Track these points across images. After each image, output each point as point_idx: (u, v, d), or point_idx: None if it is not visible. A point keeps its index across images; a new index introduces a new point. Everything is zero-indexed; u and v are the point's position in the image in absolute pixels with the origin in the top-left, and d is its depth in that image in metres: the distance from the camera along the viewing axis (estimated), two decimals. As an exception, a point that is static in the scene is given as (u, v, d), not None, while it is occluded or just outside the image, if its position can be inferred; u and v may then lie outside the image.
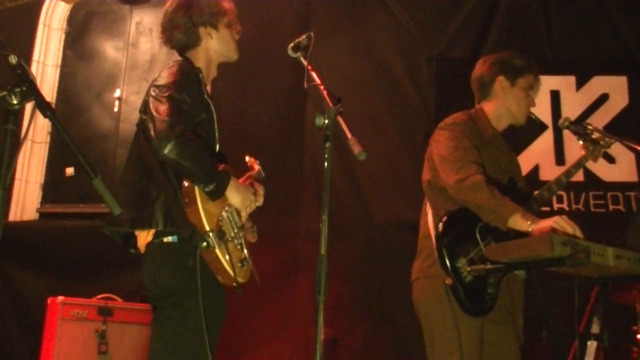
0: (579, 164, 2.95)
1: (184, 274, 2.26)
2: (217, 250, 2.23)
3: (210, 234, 2.21)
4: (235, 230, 2.37)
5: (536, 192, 2.83)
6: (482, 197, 2.50)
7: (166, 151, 2.18)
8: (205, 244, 2.21)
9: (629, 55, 4.84)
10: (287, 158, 5.01)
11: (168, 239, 2.30)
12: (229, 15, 2.65)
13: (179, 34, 2.58)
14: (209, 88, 2.59)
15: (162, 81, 2.35)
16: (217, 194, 2.29)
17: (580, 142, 3.02)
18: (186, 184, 2.25)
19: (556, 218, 2.38)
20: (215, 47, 2.61)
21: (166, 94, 2.29)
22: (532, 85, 2.91)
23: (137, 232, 2.39)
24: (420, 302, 2.71)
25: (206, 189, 2.25)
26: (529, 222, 2.41)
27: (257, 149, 5.00)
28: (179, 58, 2.55)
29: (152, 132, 2.23)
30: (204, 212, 2.23)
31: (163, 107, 2.25)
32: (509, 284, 2.64)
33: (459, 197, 2.58)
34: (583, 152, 2.99)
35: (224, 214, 2.34)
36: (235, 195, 2.37)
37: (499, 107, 2.89)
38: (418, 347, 2.74)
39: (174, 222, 2.27)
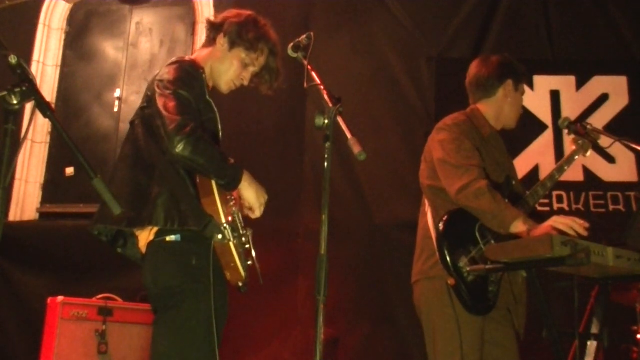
0: (570, 159, 2.95)
1: (187, 274, 2.23)
2: (232, 244, 2.22)
3: (227, 226, 2.21)
4: (242, 228, 2.36)
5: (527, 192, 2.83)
6: (484, 202, 2.50)
7: (178, 150, 2.16)
8: (220, 236, 2.19)
9: (629, 55, 4.85)
10: (287, 158, 5.01)
11: (171, 237, 2.25)
12: (253, 53, 2.54)
13: (213, 31, 2.57)
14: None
15: (165, 77, 2.33)
16: (232, 185, 2.29)
17: (571, 137, 3.03)
18: (201, 176, 2.25)
19: (554, 218, 2.39)
20: (217, 65, 2.54)
21: (172, 90, 2.27)
22: (524, 91, 2.98)
23: (139, 232, 2.35)
24: (422, 304, 2.71)
25: (221, 182, 2.26)
26: (527, 228, 2.41)
27: (257, 149, 5.04)
28: (181, 56, 2.53)
29: (162, 131, 2.21)
30: (220, 204, 2.23)
31: (171, 104, 2.23)
32: (510, 281, 2.64)
33: (462, 204, 2.57)
34: (574, 147, 3.00)
35: (234, 209, 2.33)
36: (248, 190, 2.34)
37: (499, 109, 2.89)
38: (418, 347, 2.74)
39: (180, 219, 2.22)
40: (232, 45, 2.52)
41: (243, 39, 2.51)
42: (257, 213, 2.40)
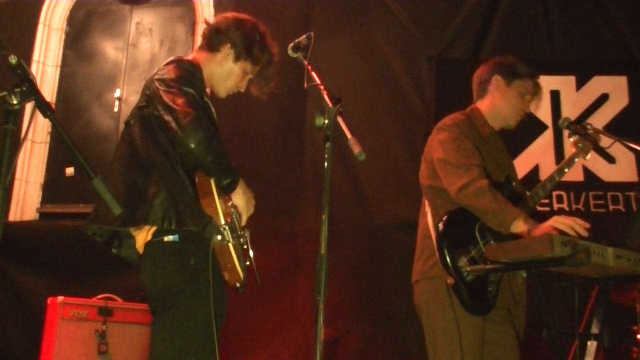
0: (570, 162, 2.94)
1: (185, 274, 2.22)
2: (230, 245, 2.22)
3: (226, 227, 2.21)
4: (240, 229, 2.36)
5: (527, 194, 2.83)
6: (485, 201, 2.50)
7: (194, 144, 2.17)
8: (220, 237, 2.20)
9: (629, 55, 4.85)
10: (287, 158, 5.01)
11: (169, 238, 2.24)
12: (257, 66, 2.59)
13: (216, 37, 2.57)
14: (208, 91, 2.58)
15: (167, 75, 2.33)
16: (231, 187, 2.30)
17: (571, 139, 3.02)
18: (200, 176, 2.25)
19: (555, 218, 2.39)
20: (218, 70, 2.56)
21: (177, 87, 2.27)
22: (530, 90, 2.91)
23: (136, 232, 2.34)
24: (422, 304, 2.71)
25: (224, 182, 2.26)
26: (528, 227, 2.41)
27: (257, 149, 5.04)
28: (179, 55, 2.52)
29: (173, 125, 2.19)
30: (219, 204, 2.23)
31: (180, 100, 2.23)
32: (510, 281, 2.64)
33: (462, 203, 2.58)
34: (574, 149, 3.00)
35: (232, 210, 2.34)
36: (242, 197, 2.37)
37: (493, 106, 2.89)
38: (418, 347, 2.74)
39: (178, 219, 2.21)
40: (238, 58, 2.55)
41: (250, 54, 2.55)
42: (243, 219, 2.42)
